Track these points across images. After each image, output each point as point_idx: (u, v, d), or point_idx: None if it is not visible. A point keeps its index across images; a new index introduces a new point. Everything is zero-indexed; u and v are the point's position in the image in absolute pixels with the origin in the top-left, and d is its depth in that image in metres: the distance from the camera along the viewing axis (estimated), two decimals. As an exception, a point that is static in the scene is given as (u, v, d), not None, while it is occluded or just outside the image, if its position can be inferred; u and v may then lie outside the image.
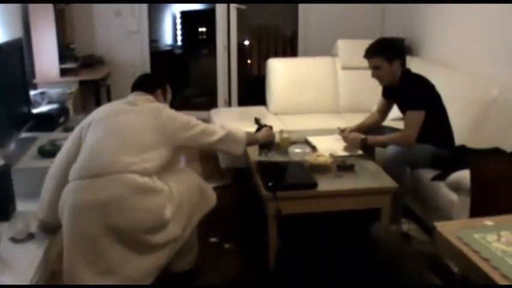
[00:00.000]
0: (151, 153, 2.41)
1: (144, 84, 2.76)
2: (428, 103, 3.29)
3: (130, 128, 2.44)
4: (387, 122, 3.76)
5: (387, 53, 3.35)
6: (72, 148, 2.49)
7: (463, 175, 2.83)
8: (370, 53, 3.40)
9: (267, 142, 3.32)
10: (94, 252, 2.25)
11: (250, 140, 2.97)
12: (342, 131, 3.58)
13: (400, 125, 3.61)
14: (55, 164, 2.55)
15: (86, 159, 2.33)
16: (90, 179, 2.27)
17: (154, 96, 2.70)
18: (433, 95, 3.36)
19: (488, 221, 1.76)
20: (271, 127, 3.37)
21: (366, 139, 3.39)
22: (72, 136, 2.56)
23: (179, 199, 2.49)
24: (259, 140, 3.14)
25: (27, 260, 2.31)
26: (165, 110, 2.59)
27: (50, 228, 2.54)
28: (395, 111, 3.69)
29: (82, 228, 2.25)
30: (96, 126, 2.46)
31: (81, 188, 2.28)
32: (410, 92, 3.33)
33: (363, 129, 3.61)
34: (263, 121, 3.49)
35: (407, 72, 3.42)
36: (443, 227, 1.73)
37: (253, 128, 3.75)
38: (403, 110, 3.46)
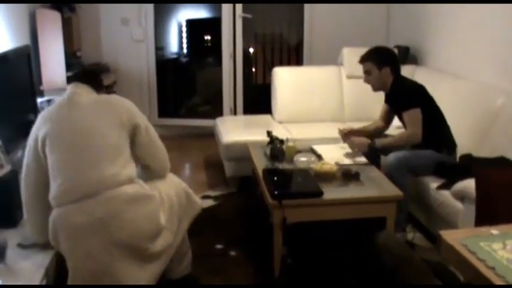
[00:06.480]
0: (124, 155, 2.34)
1: (82, 76, 2.58)
2: (421, 101, 3.37)
3: (94, 135, 2.31)
4: (391, 131, 3.77)
5: (377, 59, 3.46)
6: (37, 167, 2.35)
7: (469, 184, 2.83)
8: (362, 58, 3.54)
9: (277, 153, 3.36)
10: (99, 270, 2.22)
11: None
12: (342, 131, 3.65)
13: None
14: (29, 189, 2.42)
15: (66, 182, 2.22)
16: (80, 202, 2.19)
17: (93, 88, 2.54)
18: (424, 95, 3.44)
19: (494, 230, 1.76)
20: (282, 141, 3.41)
21: (373, 142, 3.42)
22: (30, 152, 2.38)
23: (169, 204, 2.48)
24: None
25: (35, 266, 2.33)
26: (112, 96, 2.53)
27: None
28: (397, 120, 3.71)
29: (83, 250, 2.20)
30: (56, 142, 2.29)
31: (74, 212, 2.19)
32: (402, 93, 3.44)
33: (367, 133, 3.65)
34: (271, 130, 3.54)
35: (399, 79, 3.50)
36: (449, 235, 1.73)
37: (260, 136, 3.79)
38: (398, 114, 3.55)
